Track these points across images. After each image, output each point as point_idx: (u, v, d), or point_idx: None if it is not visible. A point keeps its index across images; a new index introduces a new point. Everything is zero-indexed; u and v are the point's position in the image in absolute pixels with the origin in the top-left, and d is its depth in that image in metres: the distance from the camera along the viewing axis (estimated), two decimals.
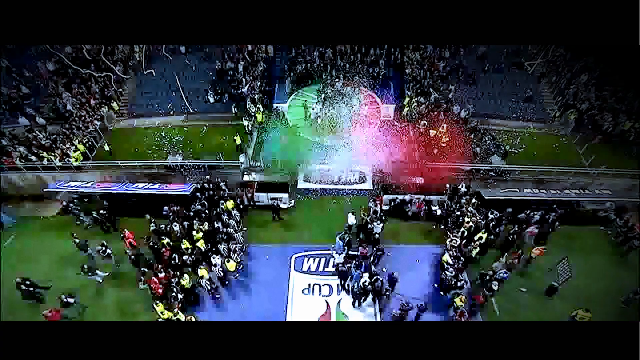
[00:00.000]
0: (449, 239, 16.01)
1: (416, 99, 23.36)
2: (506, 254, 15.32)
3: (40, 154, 18.99)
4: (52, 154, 19.07)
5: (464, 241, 15.89)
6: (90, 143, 20.66)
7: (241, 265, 15.86)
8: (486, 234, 15.84)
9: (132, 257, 15.15)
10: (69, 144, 19.61)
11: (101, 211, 16.85)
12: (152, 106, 23.64)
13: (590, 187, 18.77)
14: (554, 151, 20.95)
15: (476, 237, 15.86)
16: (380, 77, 24.82)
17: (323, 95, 22.70)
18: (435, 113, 22.71)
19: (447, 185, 18.45)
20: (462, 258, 15.26)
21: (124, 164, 19.53)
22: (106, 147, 20.50)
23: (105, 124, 22.35)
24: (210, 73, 25.07)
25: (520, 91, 23.99)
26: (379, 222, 16.24)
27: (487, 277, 14.26)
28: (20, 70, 22.97)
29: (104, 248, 15.29)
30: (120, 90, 24.26)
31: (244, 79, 24.22)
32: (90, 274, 14.66)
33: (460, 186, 18.38)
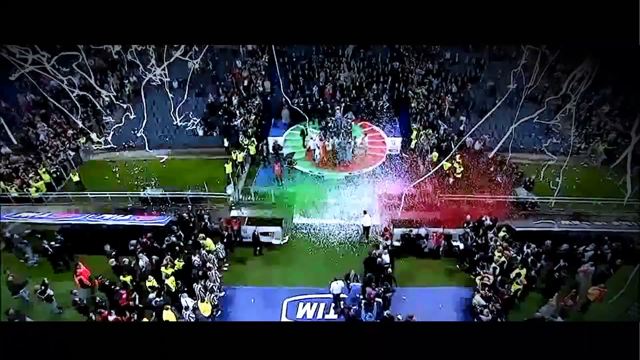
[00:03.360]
0: (480, 277, 13.23)
1: (424, 131, 21.96)
2: (556, 294, 12.31)
3: None
4: (9, 183, 16.91)
5: (498, 278, 13.04)
6: (58, 173, 18.62)
7: (219, 311, 12.86)
8: (524, 269, 13.07)
9: (79, 300, 12.20)
10: (32, 173, 17.57)
11: (52, 243, 14.17)
12: (136, 139, 22.03)
13: None
14: (587, 184, 18.85)
15: (512, 275, 13.10)
16: (385, 110, 23.62)
17: (323, 126, 21.30)
18: (446, 145, 21.22)
19: (468, 217, 16.00)
20: (498, 299, 12.30)
21: (93, 195, 17.30)
22: (75, 178, 18.36)
23: (81, 155, 20.55)
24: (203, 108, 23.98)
25: (537, 124, 22.54)
26: (386, 251, 13.80)
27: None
28: None
29: (42, 288, 12.36)
30: (103, 121, 22.85)
31: (237, 112, 23.02)
32: (17, 322, 11.58)
33: (484, 218, 15.93)
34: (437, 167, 17.77)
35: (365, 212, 16.10)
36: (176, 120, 17.98)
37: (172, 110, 18.25)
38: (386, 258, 13.55)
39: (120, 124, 21.20)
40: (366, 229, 16.14)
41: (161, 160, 17.01)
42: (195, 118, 20.96)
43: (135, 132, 22.10)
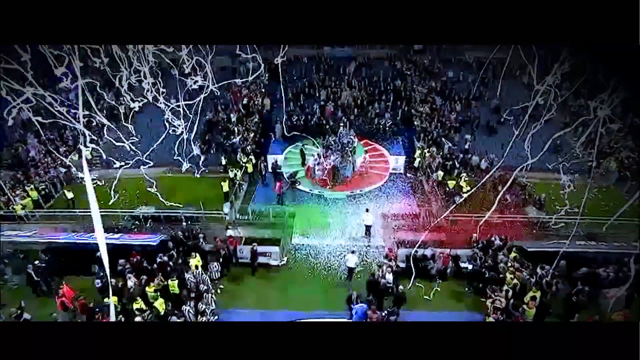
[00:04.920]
0: (491, 300, 12.57)
1: (428, 149, 21.72)
2: (577, 315, 11.63)
3: None
4: None
5: (511, 301, 12.40)
6: (47, 190, 18.24)
7: None
8: (539, 292, 12.44)
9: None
10: (20, 190, 17.21)
11: (36, 262, 13.61)
12: (131, 156, 21.77)
13: None
14: (603, 203, 18.37)
15: (527, 298, 12.46)
16: (387, 128, 23.48)
17: (325, 144, 21.10)
18: (451, 163, 20.97)
19: (474, 235, 15.49)
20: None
21: (82, 213, 16.84)
22: (69, 195, 17.98)
23: (71, 172, 20.22)
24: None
25: (545, 142, 22.35)
26: (389, 269, 13.40)
27: None
28: None
29: (19, 312, 11.73)
30: (97, 138, 22.62)
31: (235, 129, 22.88)
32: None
33: (493, 238, 15.43)
34: (460, 201, 17.35)
35: (367, 210, 16.79)
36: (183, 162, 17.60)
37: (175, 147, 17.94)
38: (389, 277, 13.02)
39: (113, 141, 21.06)
40: (368, 228, 16.62)
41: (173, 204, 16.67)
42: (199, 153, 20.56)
43: (131, 149, 21.96)
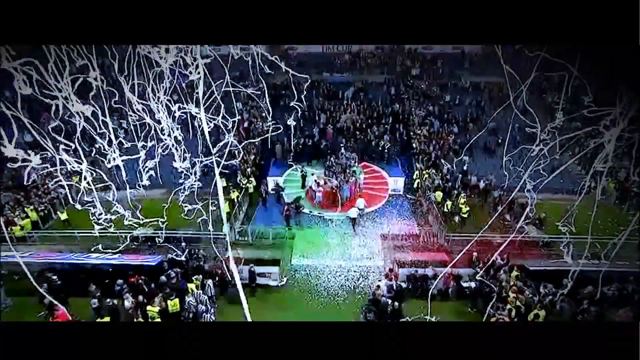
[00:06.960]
0: (495, 320, 12.40)
1: (427, 171, 21.93)
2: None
3: None
4: None
5: (514, 320, 12.24)
6: (46, 211, 18.22)
7: None
8: (543, 311, 12.29)
9: None
10: (19, 211, 17.21)
11: (53, 279, 13.50)
12: (131, 178, 21.93)
13: None
14: (604, 222, 18.36)
15: (530, 317, 12.32)
16: (386, 150, 23.76)
17: (326, 166, 21.35)
18: (450, 184, 21.15)
19: (475, 254, 15.43)
20: None
21: (80, 234, 16.78)
22: (62, 216, 17.93)
23: (72, 194, 20.28)
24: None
25: (543, 163, 22.59)
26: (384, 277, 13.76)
27: None
28: None
29: None
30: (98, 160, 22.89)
31: (236, 152, 23.09)
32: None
33: (495, 257, 15.32)
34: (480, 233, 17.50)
35: (360, 196, 19.44)
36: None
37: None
38: (382, 285, 13.21)
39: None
40: (361, 211, 18.76)
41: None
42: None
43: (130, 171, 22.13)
